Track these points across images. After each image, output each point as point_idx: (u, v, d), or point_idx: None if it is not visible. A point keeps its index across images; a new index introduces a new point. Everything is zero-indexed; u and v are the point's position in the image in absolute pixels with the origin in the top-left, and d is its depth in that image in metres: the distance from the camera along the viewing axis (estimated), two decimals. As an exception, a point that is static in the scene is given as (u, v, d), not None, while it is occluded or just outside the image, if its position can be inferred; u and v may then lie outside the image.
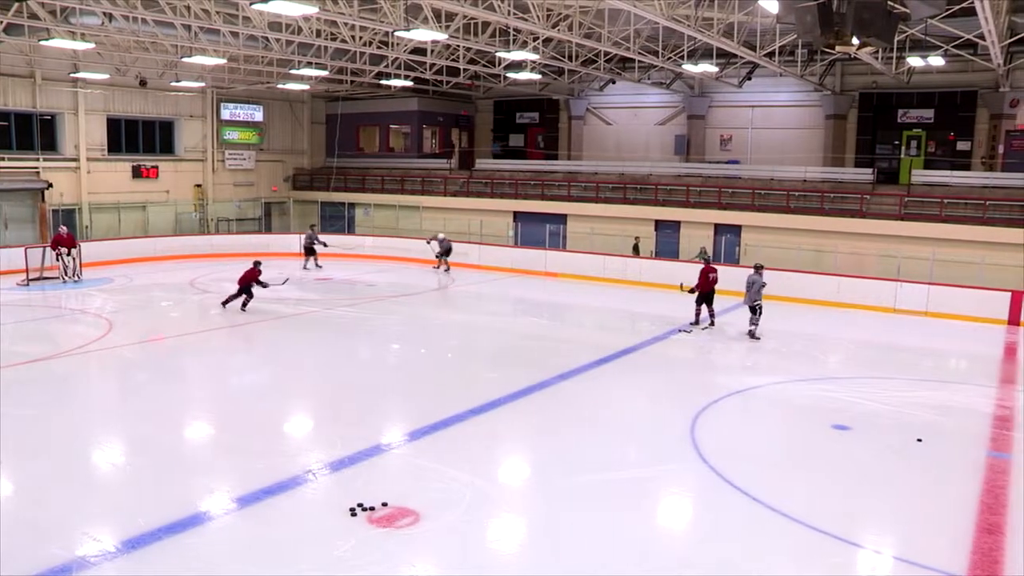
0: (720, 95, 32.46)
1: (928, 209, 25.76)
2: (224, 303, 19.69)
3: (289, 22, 22.46)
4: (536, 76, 30.02)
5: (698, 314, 19.10)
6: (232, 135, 35.65)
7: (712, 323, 19.12)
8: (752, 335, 18.04)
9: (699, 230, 28.39)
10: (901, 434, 11.68)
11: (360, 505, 8.46)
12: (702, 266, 19.64)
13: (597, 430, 11.71)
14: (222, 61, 26.40)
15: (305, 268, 27.30)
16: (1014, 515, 8.90)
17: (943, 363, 17.90)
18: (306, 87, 33.48)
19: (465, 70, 29.48)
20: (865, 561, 8.14)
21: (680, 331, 18.72)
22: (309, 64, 27.35)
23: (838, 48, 15.40)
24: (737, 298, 19.12)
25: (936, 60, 24.20)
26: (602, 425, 11.97)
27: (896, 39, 22.04)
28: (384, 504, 8.53)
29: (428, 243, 28.03)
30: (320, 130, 39.62)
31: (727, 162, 31.75)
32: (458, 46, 25.70)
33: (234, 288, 19.79)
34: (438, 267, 27.64)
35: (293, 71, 28.57)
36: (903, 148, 29.37)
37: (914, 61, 24.70)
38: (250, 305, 19.46)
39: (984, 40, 20.78)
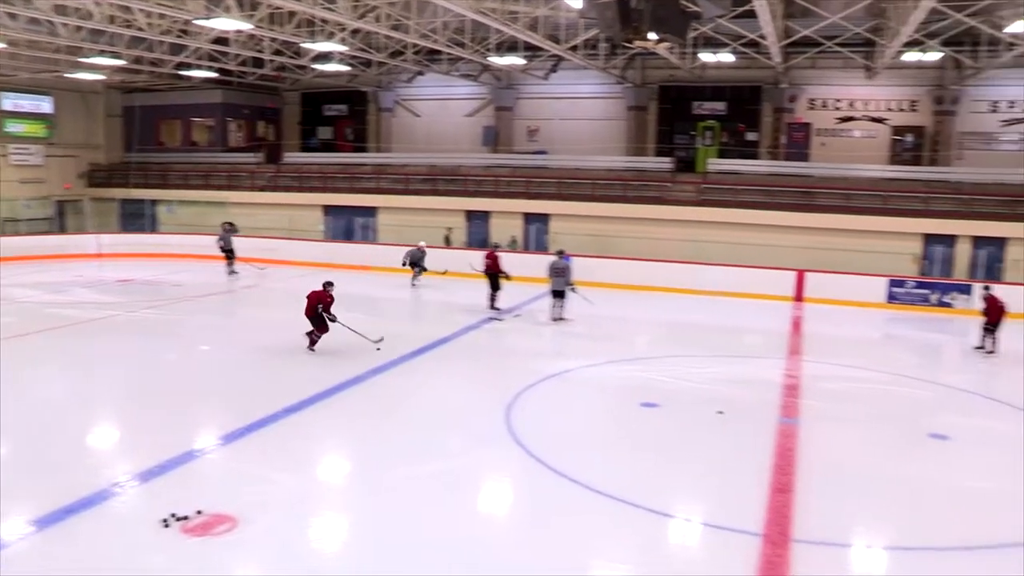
0: (527, 87, 33.25)
1: (723, 195, 27.51)
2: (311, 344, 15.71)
3: (78, 5, 20.93)
4: (344, 68, 29.70)
5: (493, 299, 19.81)
6: (16, 128, 33.05)
7: (493, 305, 19.83)
8: (559, 319, 18.74)
9: (509, 220, 29.05)
10: (704, 408, 12.49)
11: (173, 515, 8.06)
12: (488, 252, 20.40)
13: (415, 422, 11.79)
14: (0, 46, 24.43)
15: (232, 272, 25.34)
16: (802, 474, 9.77)
17: (739, 339, 19.20)
18: (100, 77, 31.35)
19: (271, 61, 28.77)
20: (676, 530, 8.69)
21: (493, 319, 19.17)
22: (102, 52, 25.68)
23: (637, 43, 16.18)
24: (547, 285, 19.75)
25: (725, 56, 25.98)
26: (419, 416, 12.07)
27: (689, 36, 23.42)
28: (199, 512, 8.18)
29: (405, 264, 24.57)
30: (117, 123, 37.40)
31: (534, 152, 32.58)
32: (263, 36, 25.04)
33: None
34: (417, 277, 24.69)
35: (84, 60, 26.69)
36: (699, 138, 31.12)
37: (706, 57, 26.37)
38: (49, 311, 18.18)
39: (765, 40, 22.40)
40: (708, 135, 31.06)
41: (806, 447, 10.85)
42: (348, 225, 31.45)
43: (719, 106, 31.12)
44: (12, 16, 21.40)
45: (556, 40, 24.28)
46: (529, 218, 29.08)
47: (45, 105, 34.03)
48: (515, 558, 7.78)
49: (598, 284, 23.54)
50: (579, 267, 23.13)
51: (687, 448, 10.99)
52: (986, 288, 17.96)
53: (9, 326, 17.92)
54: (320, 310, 15.20)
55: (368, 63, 30.43)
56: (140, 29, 22.72)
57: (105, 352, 15.86)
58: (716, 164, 29.55)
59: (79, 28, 22.94)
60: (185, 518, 8.07)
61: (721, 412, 12.21)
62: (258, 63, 29.85)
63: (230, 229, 26.14)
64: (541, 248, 27.69)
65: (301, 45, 24.69)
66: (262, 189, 33.06)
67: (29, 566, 7.44)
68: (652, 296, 23.07)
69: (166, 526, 7.92)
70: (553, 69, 30.96)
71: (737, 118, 31.03)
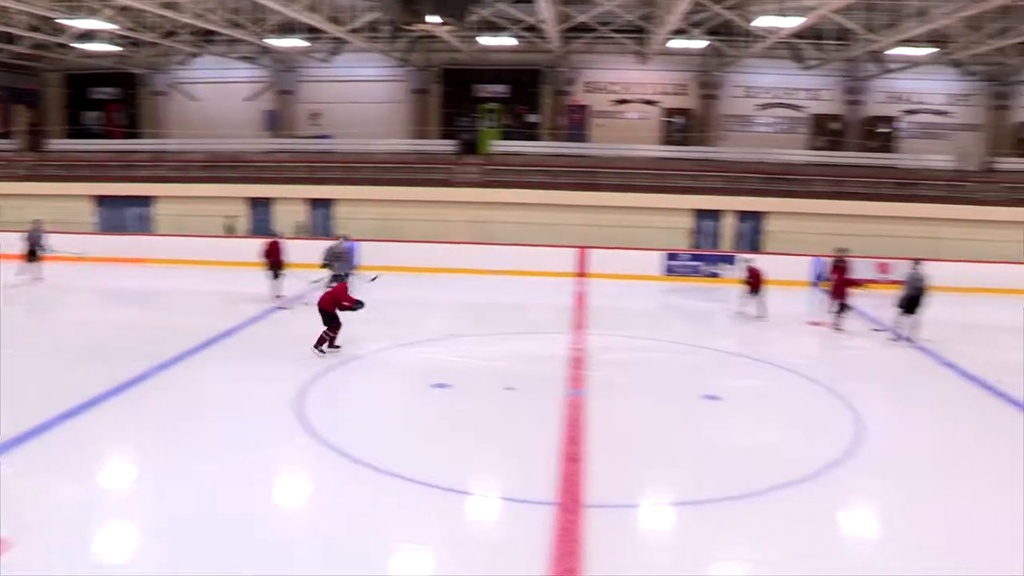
0: (309, 70, 32.42)
1: (507, 176, 28.06)
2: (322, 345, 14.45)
3: None
4: (112, 48, 27.81)
5: (276, 288, 19.38)
6: None
7: (277, 294, 19.40)
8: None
9: (293, 206, 28.24)
10: (494, 385, 12.75)
11: None
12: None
13: (203, 417, 11.28)
14: None
15: (21, 275, 21.92)
16: (590, 443, 10.18)
17: (527, 316, 19.69)
18: None
19: (26, 38, 26.46)
20: (474, 506, 8.83)
21: (279, 308, 18.68)
22: None
23: (418, 26, 16.26)
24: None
25: (506, 40, 26.45)
26: (207, 412, 11.55)
27: (470, 19, 23.66)
28: (-34, 534, 7.40)
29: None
30: None
31: (318, 137, 31.90)
32: (12, 9, 22.90)
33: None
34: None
35: None
36: (482, 121, 31.55)
37: (487, 40, 26.70)
38: None
39: (544, 25, 23.02)
40: (491, 117, 31.55)
41: (593, 416, 11.29)
42: (122, 216, 29.54)
43: (501, 89, 31.70)
44: None
45: (337, 22, 23.81)
46: (314, 204, 28.44)
47: None
48: (316, 547, 7.65)
49: (386, 268, 23.37)
50: (367, 251, 23.09)
51: (480, 425, 11.17)
52: (747, 260, 19.42)
53: None
54: (341, 307, 14.33)
55: (138, 43, 28.63)
56: None
57: None
58: (499, 146, 30.08)
59: None
60: (-52, 543, 7.28)
61: (511, 388, 12.50)
62: (10, 39, 27.35)
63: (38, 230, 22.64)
64: (328, 234, 27.20)
65: (60, 21, 22.82)
66: (23, 179, 30.36)
67: None
68: (441, 278, 23.24)
69: (-76, 555, 7.13)
70: (335, 52, 30.40)
71: (519, 101, 31.74)
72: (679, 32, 24.94)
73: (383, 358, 14.65)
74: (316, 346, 14.29)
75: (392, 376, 13.70)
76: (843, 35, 25.85)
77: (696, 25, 25.55)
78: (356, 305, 14.31)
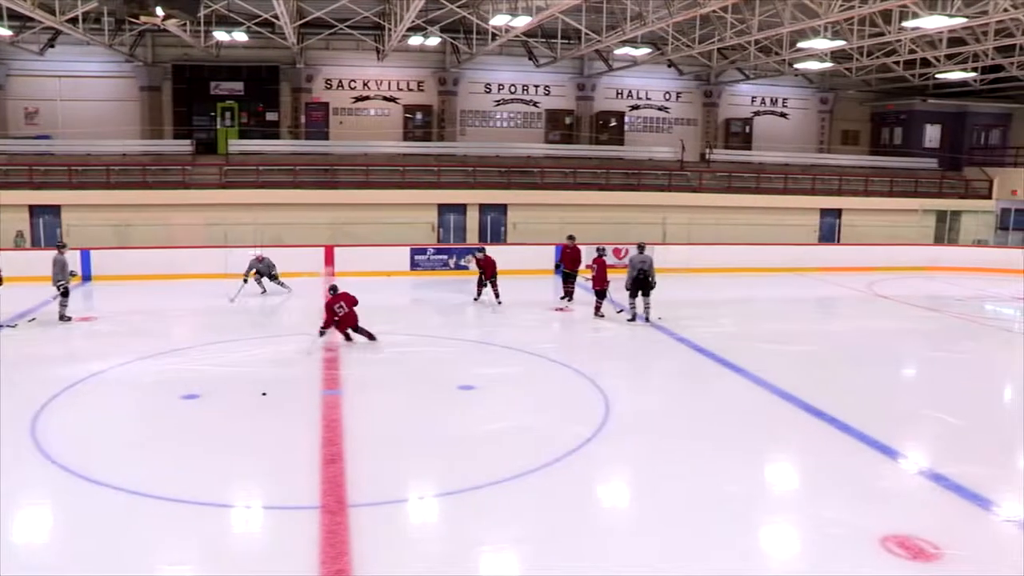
0: (21, 63, 29.55)
1: (247, 176, 27.22)
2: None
3: None
4: None
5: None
6: None
7: None
8: (66, 318, 17.48)
9: (14, 212, 25.83)
10: (247, 391, 12.39)
11: None
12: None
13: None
14: None
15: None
16: (350, 442, 10.21)
17: (277, 319, 19.28)
18: None
19: None
20: (236, 518, 8.56)
21: (7, 326, 17.10)
22: None
23: (143, 18, 15.35)
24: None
25: (240, 35, 25.61)
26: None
27: (202, 13, 22.68)
28: None
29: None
30: None
31: (36, 137, 29.33)
32: None
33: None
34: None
35: None
36: (218, 119, 30.35)
37: (220, 35, 25.71)
38: None
39: (280, 20, 22.51)
40: (228, 116, 30.42)
41: (351, 416, 11.32)
42: None
43: (237, 86, 30.60)
44: None
45: (51, 11, 21.92)
46: (34, 211, 26.14)
47: None
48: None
49: (119, 277, 22.16)
50: (97, 260, 21.72)
51: (234, 435, 10.85)
52: (479, 251, 20.33)
53: None
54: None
55: None
56: None
57: None
58: (238, 145, 29.13)
59: None
60: None
61: (264, 393, 12.21)
62: None
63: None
64: (52, 244, 25.09)
65: None
66: None
67: None
68: (183, 284, 22.17)
69: None
70: (51, 44, 28.08)
71: (257, 98, 30.79)
72: (416, 29, 25.31)
73: (125, 372, 13.78)
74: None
75: (136, 390, 12.93)
76: (572, 35, 27.30)
77: (432, 23, 26.01)
78: None
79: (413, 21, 22.59)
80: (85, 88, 30.25)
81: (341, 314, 15.10)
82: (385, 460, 9.81)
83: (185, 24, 22.70)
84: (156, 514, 8.38)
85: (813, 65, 28.95)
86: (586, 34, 24.91)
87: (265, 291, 21.33)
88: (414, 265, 24.73)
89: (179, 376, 13.45)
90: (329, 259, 23.90)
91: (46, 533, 8.39)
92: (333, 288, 15.43)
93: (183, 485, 8.92)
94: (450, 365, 14.70)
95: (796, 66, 29.46)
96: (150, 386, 13.11)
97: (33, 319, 17.60)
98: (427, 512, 8.86)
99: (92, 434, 10.88)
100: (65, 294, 17.36)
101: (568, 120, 32.86)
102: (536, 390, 13.26)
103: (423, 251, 24.96)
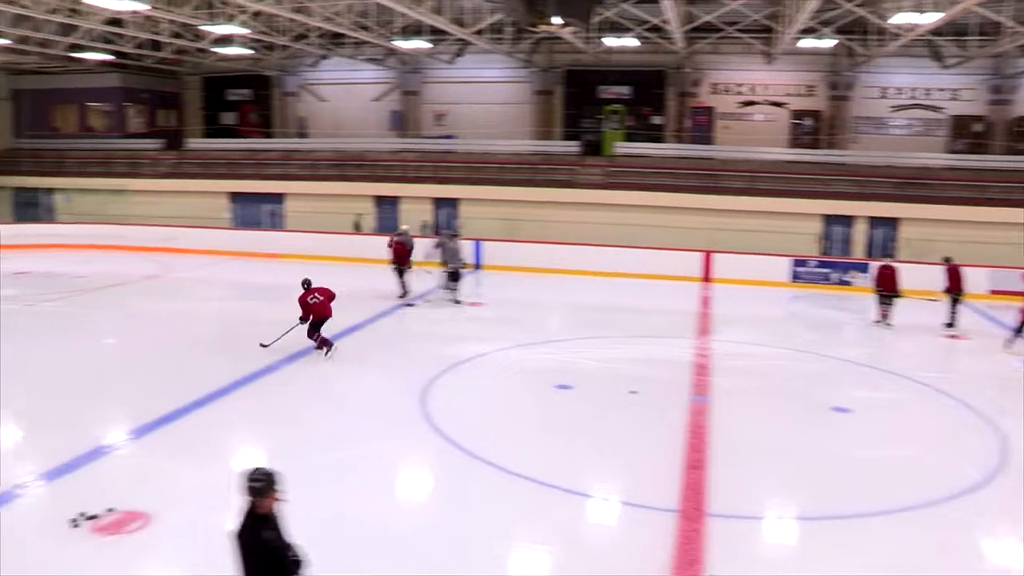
0: (433, 71, 32.99)
1: (630, 178, 27.85)
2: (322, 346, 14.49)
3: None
4: (246, 51, 28.95)
5: (403, 285, 19.76)
6: None
7: (403, 291, 19.69)
8: (456, 301, 18.96)
9: (418, 205, 28.81)
10: (616, 388, 12.63)
11: (82, 514, 7.83)
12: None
13: (329, 409, 11.67)
14: None
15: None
16: (713, 450, 10.00)
17: (649, 320, 19.44)
18: (-17, 58, 29.87)
19: (169, 44, 27.85)
20: (593, 509, 8.78)
21: (404, 305, 19.04)
22: (-16, 33, 24.30)
23: (541, 27, 16.26)
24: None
25: (630, 41, 26.24)
26: (333, 404, 11.95)
27: (594, 21, 23.60)
28: (110, 510, 7.96)
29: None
30: (5, 107, 35.64)
31: (442, 137, 32.40)
32: (160, 18, 24.15)
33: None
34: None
35: (-37, 39, 25.30)
36: (605, 122, 31.39)
37: (611, 41, 26.55)
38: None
39: (669, 25, 22.74)
40: (614, 119, 31.35)
41: (717, 424, 11.09)
42: (255, 212, 30.74)
43: (624, 90, 31.48)
44: None
45: (461, 24, 24.14)
46: (439, 203, 28.93)
47: (-78, 88, 32.17)
48: (433, 541, 7.78)
49: (508, 268, 23.64)
50: (488, 250, 23.36)
51: (602, 428, 11.10)
52: (886, 255, 18.60)
53: None
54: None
55: (271, 46, 29.74)
56: (24, 7, 21.57)
57: (3, 349, 15.12)
58: (622, 147, 29.88)
59: (-44, 6, 21.65)
60: (95, 517, 7.83)
61: (634, 392, 12.38)
62: (156, 46, 28.83)
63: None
64: (448, 231, 27.58)
65: (201, 28, 23.95)
66: (164, 176, 32.00)
67: None
68: (562, 279, 23.21)
69: (75, 526, 7.68)
70: (459, 53, 30.82)
71: (642, 102, 31.45)
72: (808, 31, 24.26)
73: (505, 357, 14.74)
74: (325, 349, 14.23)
75: (514, 375, 13.78)
76: (989, 30, 24.60)
77: (826, 24, 24.80)
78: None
79: (805, 23, 21.68)
80: (485, 92, 32.87)
81: (314, 303, 14.10)
82: (748, 473, 9.49)
83: (578, 31, 23.71)
84: (521, 493, 8.86)
85: None
86: (1010, 28, 22.29)
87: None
88: (794, 277, 23.68)
89: (554, 366, 14.09)
90: (707, 265, 23.69)
91: (424, 495, 9.24)
92: (307, 282, 14.53)
93: (549, 470, 9.30)
94: (824, 383, 13.88)
95: None
96: (527, 372, 13.87)
97: (430, 300, 19.43)
98: (787, 533, 8.44)
99: (472, 411, 11.77)
100: (455, 278, 18.97)
101: (978, 127, 29.66)
102: (920, 422, 12.09)
103: (804, 262, 23.86)
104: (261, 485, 5.46)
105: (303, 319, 14.17)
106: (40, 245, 27.31)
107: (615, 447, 10.41)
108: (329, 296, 14.37)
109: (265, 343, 14.29)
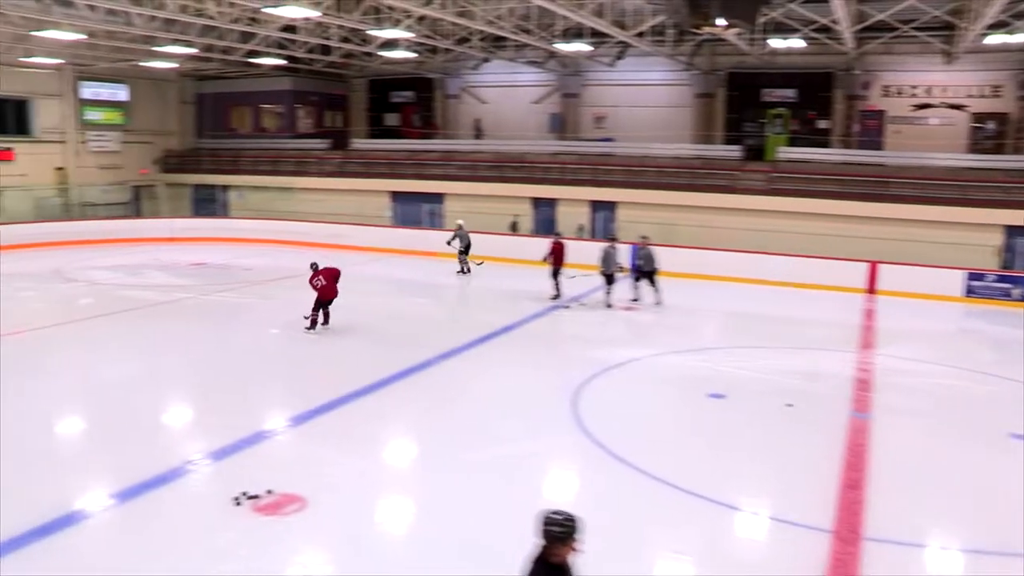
0: (593, 74, 32.93)
1: (793, 184, 26.89)
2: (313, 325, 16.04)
3: (151, -5, 21.45)
4: (410, 55, 29.77)
5: (557, 287, 19.86)
6: (95, 115, 34.00)
7: (557, 293, 19.86)
8: (609, 305, 18.89)
9: (575, 207, 28.85)
10: (772, 399, 12.23)
11: (244, 493, 8.30)
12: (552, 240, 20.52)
13: (480, 407, 11.85)
14: (80, 36, 24.80)
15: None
16: (874, 470, 9.49)
17: (809, 331, 18.71)
18: (173, 65, 32.03)
19: (338, 48, 28.99)
20: (742, 522, 8.52)
21: (558, 307, 19.08)
22: (175, 41, 26.13)
23: (705, 29, 15.95)
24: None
25: (796, 42, 25.30)
26: (485, 402, 12.12)
27: (759, 21, 22.90)
28: (269, 491, 8.39)
29: (449, 243, 23.92)
30: (189, 110, 38.21)
31: (601, 140, 32.28)
32: (330, 24, 25.22)
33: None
34: (463, 270, 23.79)
35: (158, 48, 27.19)
36: (768, 126, 30.48)
37: (776, 43, 25.71)
38: (124, 293, 18.71)
39: (838, 25, 21.82)
40: (778, 123, 30.37)
41: (878, 443, 10.54)
42: (415, 211, 31.59)
43: (789, 93, 30.43)
44: (92, 8, 21.91)
45: (623, 26, 23.97)
46: (596, 206, 28.86)
47: (121, 93, 34.94)
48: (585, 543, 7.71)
49: (663, 273, 23.26)
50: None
51: (755, 440, 10.78)
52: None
53: (88, 307, 18.54)
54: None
55: (434, 50, 30.45)
56: (211, 18, 23.06)
57: (178, 334, 16.22)
58: (786, 152, 28.91)
59: (153, 18, 23.35)
60: (256, 497, 8.27)
61: (790, 405, 11.93)
62: (326, 50, 30.11)
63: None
64: (606, 236, 27.50)
65: (368, 32, 24.81)
66: (330, 175, 33.39)
67: (109, 536, 7.80)
68: (718, 285, 22.69)
69: (238, 504, 8.16)
70: (620, 56, 30.61)
71: (808, 105, 30.31)
72: (997, 26, 22.69)
73: (658, 363, 14.55)
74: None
75: (666, 381, 13.59)
76: None
77: (1019, 17, 23.14)
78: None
79: (995, 16, 20.28)
80: (645, 95, 32.54)
81: (319, 286, 15.62)
82: (911, 498, 8.97)
83: (742, 33, 23.11)
84: (668, 500, 8.75)
85: None
86: None
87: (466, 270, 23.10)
88: (968, 291, 22.21)
89: (707, 374, 13.76)
90: (872, 276, 22.60)
91: (570, 495, 9.24)
92: (314, 265, 16.07)
93: (698, 478, 9.12)
94: (1001, 408, 12.82)
95: None
96: (679, 379, 13.62)
97: (584, 303, 19.39)
98: (951, 565, 7.91)
99: (623, 415, 11.69)
100: (610, 282, 18.88)
101: None
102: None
103: (981, 276, 22.35)
104: (562, 531, 4.83)
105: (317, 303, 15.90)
106: (215, 238, 29.17)
107: (767, 460, 10.08)
108: (333, 275, 15.88)
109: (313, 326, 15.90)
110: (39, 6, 21.58)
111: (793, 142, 29.64)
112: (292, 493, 8.41)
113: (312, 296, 15.74)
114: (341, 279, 16.16)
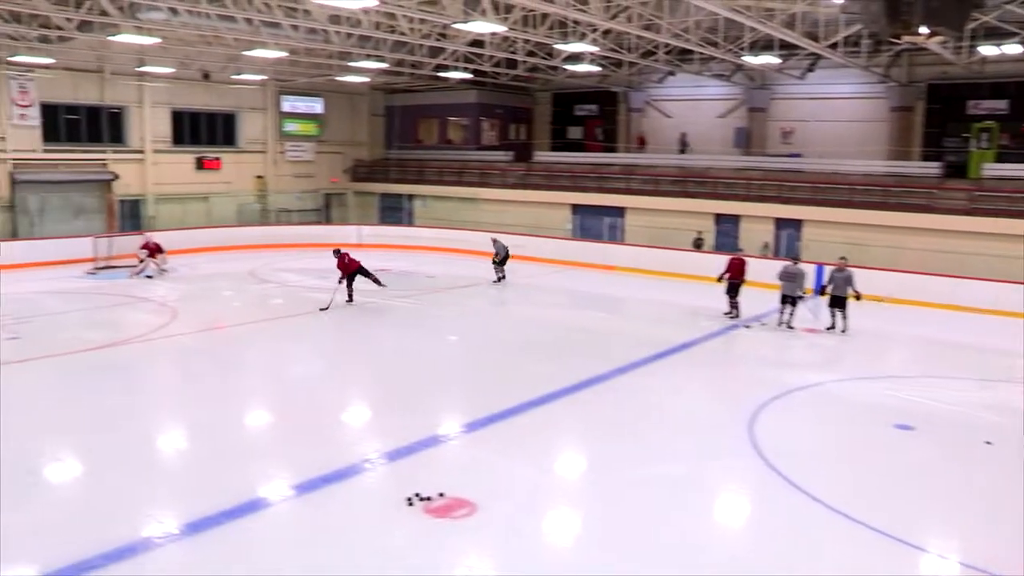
0: (781, 87, 31.83)
1: (999, 204, 24.95)
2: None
3: (348, 15, 22.60)
4: (595, 68, 29.82)
5: (735, 305, 19.26)
6: (292, 127, 36.19)
7: (735, 312, 19.24)
8: (788, 326, 18.17)
9: (759, 224, 27.96)
10: (965, 435, 11.42)
11: (417, 494, 8.52)
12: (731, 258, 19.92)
13: (654, 424, 11.65)
14: (283, 54, 26.53)
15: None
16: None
17: (1008, 363, 17.26)
18: (365, 79, 33.66)
19: (523, 62, 29.44)
20: (927, 564, 7.96)
21: (738, 326, 18.53)
22: (368, 57, 27.46)
23: (905, 38, 15.07)
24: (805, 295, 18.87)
25: (1012, 48, 23.32)
26: (659, 419, 11.91)
27: (967, 27, 21.40)
28: (441, 494, 8.58)
29: (494, 261, 24.39)
30: (379, 122, 39.96)
31: (788, 155, 31.16)
32: (516, 38, 25.65)
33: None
34: (499, 278, 24.23)
35: (352, 64, 28.72)
36: (973, 141, 28.46)
37: (987, 50, 23.89)
38: (313, 295, 19.83)
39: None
40: (984, 137, 28.34)
41: (1089, 489, 9.56)
42: (596, 225, 31.60)
43: (1000, 104, 28.16)
44: (295, 28, 23.32)
45: (814, 37, 22.99)
46: (780, 223, 27.85)
47: (317, 106, 37.02)
48: (742, 570, 7.44)
49: (850, 295, 22.15)
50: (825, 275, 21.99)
51: (946, 477, 10.06)
52: None
53: (278, 307, 19.67)
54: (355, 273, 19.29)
55: (619, 63, 30.38)
56: (403, 34, 23.99)
57: (361, 336, 16.92)
58: (992, 169, 26.88)
59: (349, 35, 24.57)
60: (428, 499, 8.49)
61: (989, 443, 11.03)
62: (511, 64, 30.64)
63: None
64: (792, 255, 26.42)
65: (553, 46, 25.08)
66: (512, 187, 33.93)
67: (287, 525, 8.22)
68: (910, 310, 21.34)
69: (410, 504, 8.40)
70: (810, 68, 29.47)
71: (1020, 118, 28.06)
72: None
73: (840, 388, 13.87)
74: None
75: (849, 408, 12.91)
76: None
77: None
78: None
79: None
80: (836, 109, 31.13)
81: (347, 263, 19.07)
82: None
83: (947, 41, 21.71)
84: (844, 535, 8.27)
85: None
86: None
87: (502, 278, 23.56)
88: None
89: (894, 403, 12.98)
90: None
91: (740, 521, 8.92)
92: (336, 251, 19.56)
93: (879, 515, 8.57)
94: None
95: None
96: (864, 408, 12.92)
97: (764, 323, 18.74)
98: None
99: (801, 441, 11.24)
100: (793, 304, 18.10)
101: None
102: None
103: None
104: None
105: (341, 280, 19.15)
106: (400, 246, 30.20)
107: (961, 501, 9.35)
108: (343, 263, 19.24)
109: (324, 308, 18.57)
110: (250, 29, 23.19)
111: (1001, 158, 27.55)
112: (463, 497, 8.55)
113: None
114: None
